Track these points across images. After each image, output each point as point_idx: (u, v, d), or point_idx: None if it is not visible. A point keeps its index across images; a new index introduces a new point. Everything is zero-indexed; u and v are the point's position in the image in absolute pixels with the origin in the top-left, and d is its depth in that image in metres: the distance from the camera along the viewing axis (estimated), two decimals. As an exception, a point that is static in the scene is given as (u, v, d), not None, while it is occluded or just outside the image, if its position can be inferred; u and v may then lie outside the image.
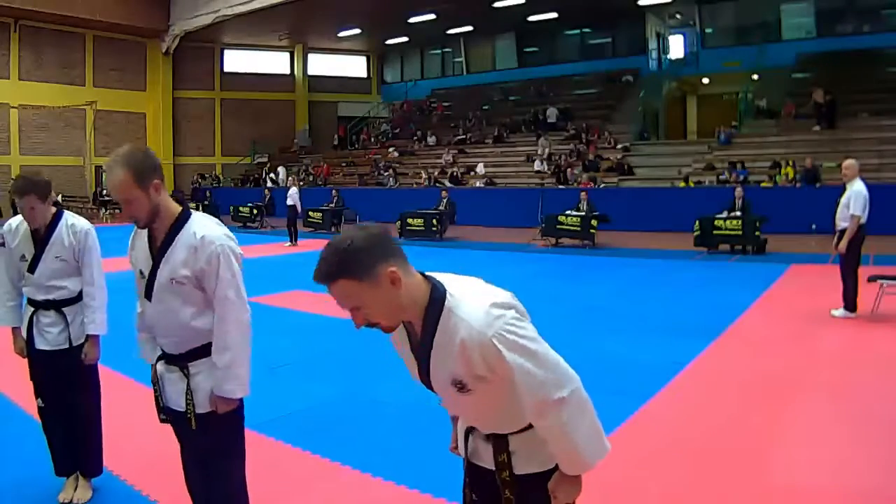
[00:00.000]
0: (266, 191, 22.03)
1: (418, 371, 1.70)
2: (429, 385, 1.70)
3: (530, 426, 1.67)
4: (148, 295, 2.35)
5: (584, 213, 13.83)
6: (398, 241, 1.61)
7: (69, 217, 3.22)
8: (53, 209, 3.18)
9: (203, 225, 2.36)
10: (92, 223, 3.34)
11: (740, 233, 12.05)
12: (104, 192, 26.21)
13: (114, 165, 2.21)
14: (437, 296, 1.61)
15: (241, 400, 2.43)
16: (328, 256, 1.51)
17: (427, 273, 1.68)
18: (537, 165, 20.58)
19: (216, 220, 2.43)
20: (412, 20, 24.40)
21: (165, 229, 2.33)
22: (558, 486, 1.69)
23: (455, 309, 1.58)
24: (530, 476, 1.70)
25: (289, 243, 15.22)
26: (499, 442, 1.73)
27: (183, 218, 2.35)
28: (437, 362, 1.62)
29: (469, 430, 1.83)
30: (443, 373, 1.63)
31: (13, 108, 24.53)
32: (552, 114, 23.32)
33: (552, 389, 1.56)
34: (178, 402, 2.38)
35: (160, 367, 2.44)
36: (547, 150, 20.84)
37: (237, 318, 2.34)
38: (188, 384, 2.35)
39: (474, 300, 1.59)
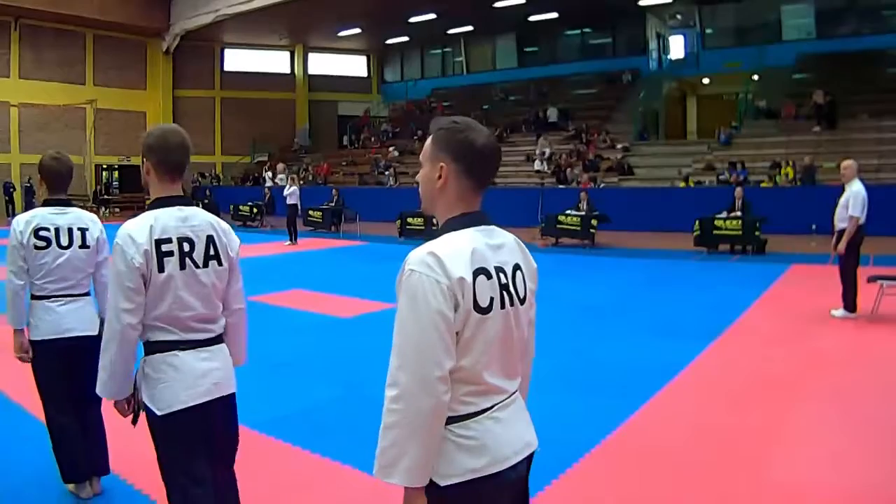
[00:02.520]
0: (266, 190, 22.03)
1: None
2: None
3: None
4: None
5: (584, 213, 13.83)
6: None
7: None
8: None
9: (137, 219, 2.26)
10: None
11: (740, 233, 12.05)
12: (104, 190, 26.28)
13: None
14: (447, 222, 1.63)
15: (132, 409, 2.31)
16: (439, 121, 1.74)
17: (479, 214, 1.65)
18: (537, 165, 20.58)
19: (162, 216, 2.25)
20: (412, 20, 24.39)
21: None
22: None
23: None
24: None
25: (289, 242, 15.22)
26: None
27: (148, 207, 2.30)
28: None
29: None
30: None
31: (13, 106, 24.53)
32: (553, 113, 23.32)
33: (395, 357, 1.53)
34: None
35: None
36: (547, 150, 20.82)
37: (108, 319, 2.22)
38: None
39: (436, 241, 1.57)
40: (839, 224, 6.95)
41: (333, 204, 18.34)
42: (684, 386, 4.94)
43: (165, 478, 2.32)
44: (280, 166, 26.18)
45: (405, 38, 29.01)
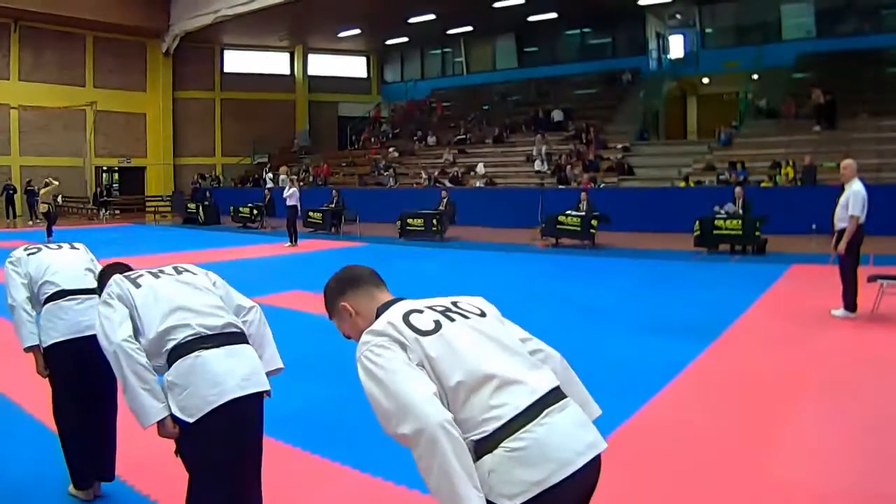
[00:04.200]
0: (266, 191, 22.03)
1: None
2: None
3: None
4: None
5: (584, 213, 13.82)
6: (365, 273, 1.98)
7: None
8: None
9: None
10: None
11: (740, 233, 12.05)
12: (104, 192, 26.28)
13: None
14: (376, 317, 1.73)
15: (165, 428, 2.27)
16: None
17: (394, 299, 1.81)
18: (537, 165, 20.59)
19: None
20: (412, 20, 24.40)
21: None
22: None
23: None
24: None
25: (289, 243, 15.21)
26: None
27: None
28: None
29: None
30: None
31: (13, 108, 24.54)
32: (553, 114, 23.33)
33: (394, 423, 1.50)
34: None
35: None
36: (544, 148, 20.83)
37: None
38: None
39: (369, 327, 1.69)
40: (839, 224, 6.95)
41: (333, 205, 18.34)
42: (684, 386, 4.94)
43: (195, 483, 2.31)
44: (283, 169, 26.22)
45: (405, 39, 29.03)
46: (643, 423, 4.18)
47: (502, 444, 1.48)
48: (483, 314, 1.72)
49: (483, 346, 1.60)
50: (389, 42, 30.07)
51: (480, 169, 21.78)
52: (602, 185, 18.17)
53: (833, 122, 17.00)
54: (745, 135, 18.64)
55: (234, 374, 2.25)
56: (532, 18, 24.46)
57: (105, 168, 27.78)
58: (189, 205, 22.97)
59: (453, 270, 11.42)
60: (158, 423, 2.20)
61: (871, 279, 6.92)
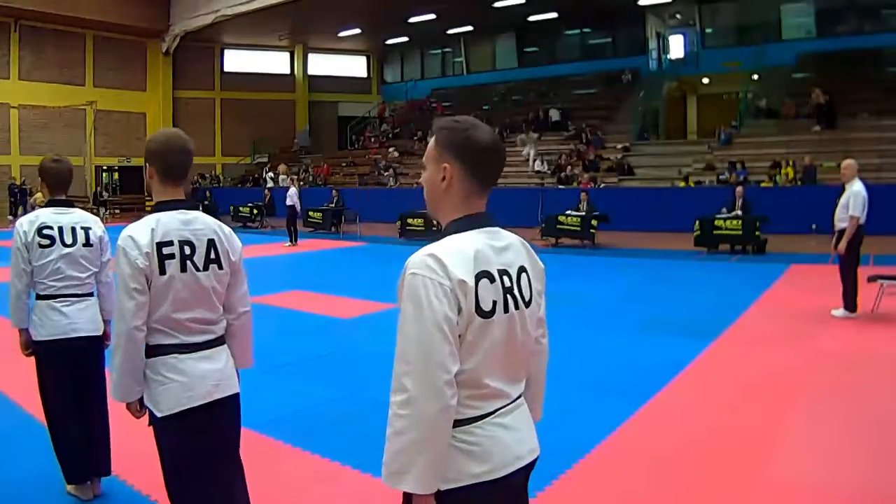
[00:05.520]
0: (266, 191, 22.03)
1: None
2: None
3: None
4: None
5: (584, 213, 13.83)
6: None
7: None
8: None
9: (139, 222, 2.29)
10: None
11: (740, 233, 12.05)
12: (104, 191, 26.27)
13: None
14: (450, 224, 1.61)
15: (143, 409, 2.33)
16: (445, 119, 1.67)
17: (484, 215, 1.63)
18: (537, 166, 20.58)
19: (164, 219, 2.28)
20: (412, 20, 24.39)
21: None
22: None
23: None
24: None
25: (289, 243, 15.22)
26: None
27: (151, 210, 2.35)
28: None
29: None
30: None
31: (13, 107, 24.53)
32: (553, 113, 23.32)
33: (402, 366, 1.49)
34: None
35: None
36: (532, 153, 20.84)
37: (115, 321, 2.24)
38: None
39: (438, 244, 1.56)
40: (839, 224, 6.95)
41: (334, 205, 18.35)
42: (684, 386, 4.94)
43: (167, 477, 2.34)
44: (282, 167, 26.21)
45: (405, 39, 29.01)
46: (643, 423, 4.18)
47: (454, 433, 1.52)
48: (528, 303, 1.64)
49: (502, 351, 1.57)
50: (389, 42, 30.05)
51: (480, 169, 21.74)
52: (602, 185, 18.17)
53: (833, 122, 16.99)
54: (745, 135, 18.63)
55: (206, 380, 2.29)
56: (532, 18, 24.45)
57: (105, 168, 27.77)
58: (190, 205, 22.91)
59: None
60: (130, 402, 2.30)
61: (871, 279, 6.92)
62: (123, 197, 27.33)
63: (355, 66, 33.21)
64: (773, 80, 19.84)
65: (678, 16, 24.89)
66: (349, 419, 4.29)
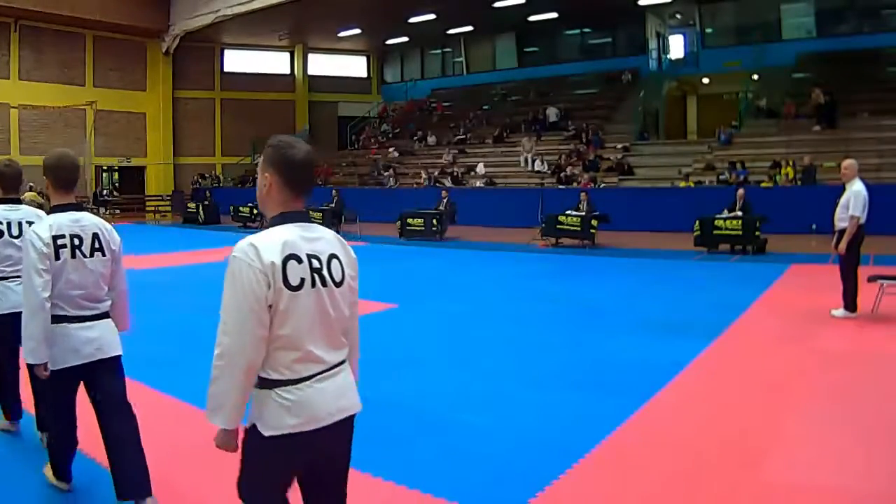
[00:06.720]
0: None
1: None
2: None
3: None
4: None
5: (584, 213, 13.83)
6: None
7: None
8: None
9: (42, 221, 3.05)
10: None
11: (740, 233, 12.04)
12: (104, 191, 26.28)
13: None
14: (271, 220, 2.01)
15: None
16: None
17: (299, 213, 2.03)
18: (537, 166, 20.59)
19: (58, 219, 2.97)
20: (412, 20, 24.38)
21: None
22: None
23: None
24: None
25: (289, 243, 15.20)
26: None
27: (49, 212, 3.08)
28: None
29: None
30: None
31: (13, 108, 24.50)
32: (553, 113, 23.32)
33: (223, 326, 1.90)
34: None
35: None
36: (530, 156, 20.85)
37: (27, 296, 2.88)
38: None
39: (258, 234, 1.96)
40: (839, 224, 6.95)
41: (333, 205, 18.34)
42: (684, 386, 4.94)
43: (47, 409, 3.21)
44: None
45: (405, 39, 29.01)
46: (643, 423, 4.18)
47: (277, 391, 1.92)
48: (339, 284, 2.03)
49: (317, 320, 1.95)
50: (389, 42, 30.05)
51: (480, 169, 21.78)
52: (602, 185, 18.17)
53: (833, 122, 17.00)
54: (745, 135, 18.63)
55: (90, 344, 2.97)
56: (532, 18, 24.44)
57: (105, 168, 27.77)
58: (189, 204, 22.97)
59: (453, 270, 11.42)
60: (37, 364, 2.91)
61: (871, 279, 6.92)
62: (123, 197, 27.34)
63: (355, 66, 33.21)
64: (773, 80, 19.84)
65: (678, 16, 24.91)
66: (349, 419, 4.28)
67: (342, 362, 2.06)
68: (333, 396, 1.99)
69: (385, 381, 5.01)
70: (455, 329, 6.88)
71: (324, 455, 2.03)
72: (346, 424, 2.06)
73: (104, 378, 3.05)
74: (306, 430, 1.92)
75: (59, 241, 2.89)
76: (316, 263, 1.97)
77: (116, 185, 28.43)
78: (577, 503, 3.25)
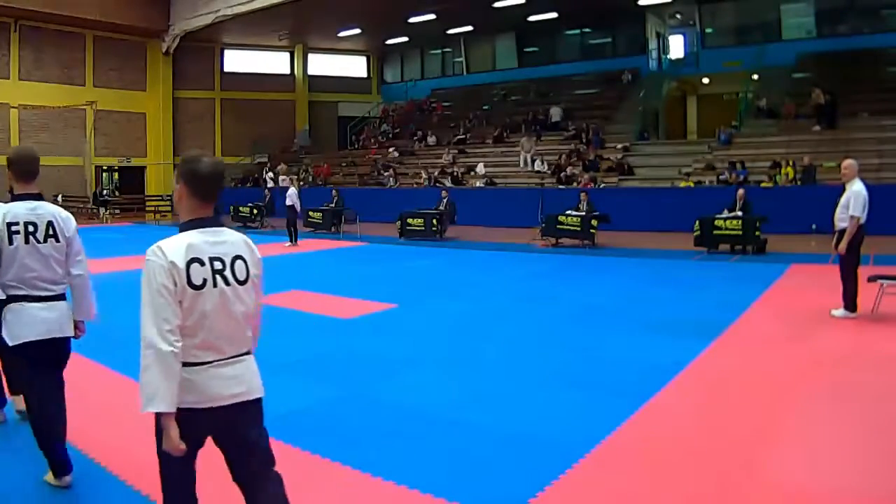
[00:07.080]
0: (266, 191, 22.03)
1: None
2: None
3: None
4: None
5: (584, 213, 13.82)
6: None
7: None
8: None
9: None
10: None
11: (740, 233, 12.04)
12: (104, 191, 26.28)
13: None
14: (182, 225, 2.28)
15: None
16: None
17: (207, 219, 2.29)
18: (537, 166, 20.59)
19: (15, 208, 3.24)
20: (412, 20, 24.39)
21: None
22: None
23: None
24: None
25: (289, 243, 15.22)
26: None
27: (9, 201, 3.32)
28: None
29: None
30: None
31: (13, 108, 24.51)
32: (555, 113, 23.32)
33: (143, 323, 2.13)
34: None
35: None
36: (529, 156, 20.84)
37: None
38: None
39: (167, 239, 2.23)
40: (839, 224, 6.95)
41: (333, 205, 18.34)
42: (684, 385, 4.94)
43: (29, 395, 3.31)
44: (282, 167, 26.22)
45: (405, 39, 29.01)
46: (643, 423, 4.18)
47: (182, 372, 2.16)
48: (242, 283, 2.29)
49: (221, 315, 2.22)
50: (389, 42, 30.05)
51: (480, 169, 21.78)
52: (602, 185, 18.17)
53: (833, 122, 17.00)
54: (745, 135, 18.63)
55: (44, 324, 3.21)
56: (532, 18, 24.44)
57: (105, 168, 27.77)
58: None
59: (453, 270, 11.41)
60: None
61: (871, 279, 6.92)
62: (123, 197, 27.34)
63: (355, 66, 33.22)
64: (773, 80, 19.84)
65: (678, 16, 24.91)
66: (349, 419, 4.29)
67: (246, 353, 2.34)
68: (231, 381, 2.25)
69: (385, 381, 5.01)
70: (455, 329, 6.88)
71: (225, 432, 2.29)
72: (248, 406, 2.30)
73: (51, 352, 3.24)
74: (202, 407, 2.19)
75: (13, 228, 3.17)
76: (218, 265, 2.24)
77: (117, 185, 28.44)
78: (577, 503, 3.25)
